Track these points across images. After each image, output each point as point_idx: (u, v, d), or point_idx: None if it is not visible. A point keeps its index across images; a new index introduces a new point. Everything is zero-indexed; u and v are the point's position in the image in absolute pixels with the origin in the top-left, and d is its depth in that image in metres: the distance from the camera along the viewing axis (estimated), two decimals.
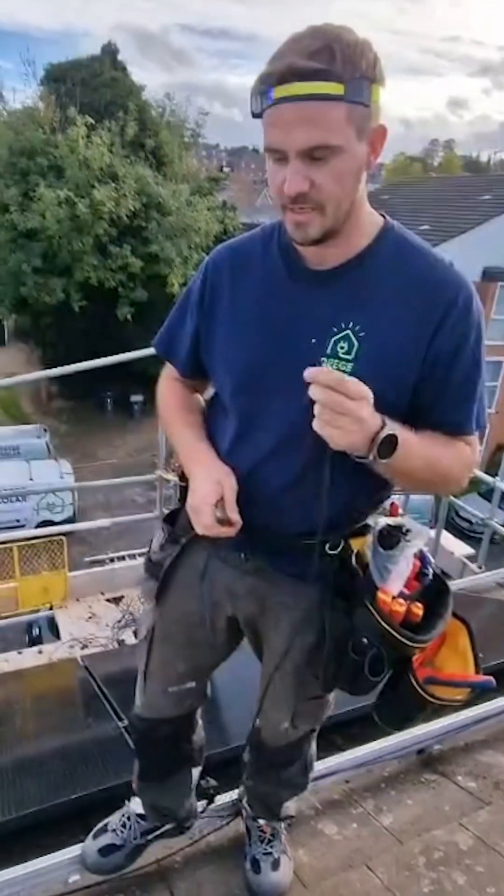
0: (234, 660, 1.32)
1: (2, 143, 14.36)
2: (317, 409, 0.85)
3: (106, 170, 13.86)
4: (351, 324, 0.94)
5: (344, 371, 0.93)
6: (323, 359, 0.94)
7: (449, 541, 4.27)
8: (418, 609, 0.97)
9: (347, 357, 0.94)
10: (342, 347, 0.94)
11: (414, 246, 0.97)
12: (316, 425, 0.86)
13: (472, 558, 4.04)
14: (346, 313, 0.94)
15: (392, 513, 1.09)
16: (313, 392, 0.85)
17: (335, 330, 0.94)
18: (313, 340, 0.95)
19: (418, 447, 0.95)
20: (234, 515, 0.99)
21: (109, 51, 17.54)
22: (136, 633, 1.83)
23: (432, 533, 3.50)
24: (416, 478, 0.99)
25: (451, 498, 3.62)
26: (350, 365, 0.93)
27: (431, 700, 1.02)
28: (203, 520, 1.00)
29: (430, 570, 1.04)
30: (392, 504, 1.12)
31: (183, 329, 1.12)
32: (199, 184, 16.70)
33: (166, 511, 1.31)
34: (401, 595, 0.97)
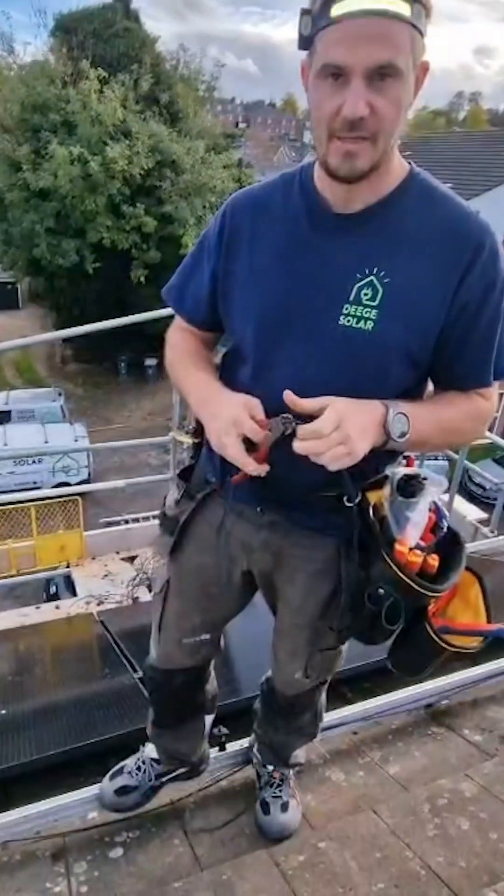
0: (247, 612, 1.34)
1: (13, 98, 14.01)
2: (318, 460, 0.88)
3: (119, 126, 13.50)
4: (376, 269, 0.91)
5: (368, 318, 0.92)
6: (346, 305, 0.93)
7: (462, 505, 4.27)
8: (434, 560, 0.98)
9: (371, 304, 0.92)
10: (366, 294, 0.92)
11: (440, 192, 0.95)
12: (331, 467, 0.88)
13: (484, 522, 4.05)
14: (370, 259, 0.92)
15: (408, 464, 1.09)
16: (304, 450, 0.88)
17: (359, 276, 0.92)
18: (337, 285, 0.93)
19: (428, 416, 0.96)
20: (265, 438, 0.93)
21: None
22: (150, 588, 1.87)
23: (446, 497, 3.49)
24: (432, 444, 1.04)
25: (466, 462, 3.61)
26: (374, 311, 0.92)
27: (447, 647, 1.04)
28: (230, 444, 0.94)
29: (445, 524, 1.04)
30: (408, 457, 1.12)
31: (198, 277, 1.10)
32: (214, 140, 16.21)
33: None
34: (417, 547, 0.98)
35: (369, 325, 0.92)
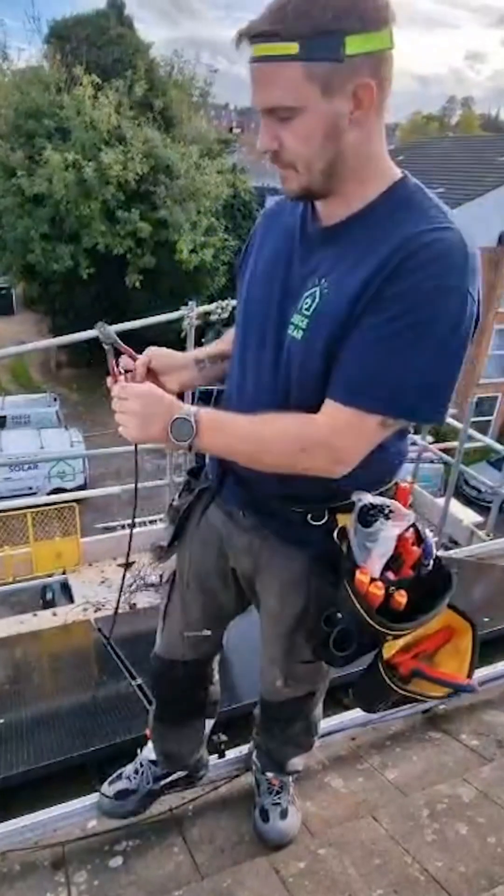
0: (247, 619, 1.35)
1: (7, 104, 14.04)
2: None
3: (113, 132, 13.54)
4: (322, 280, 0.94)
5: (301, 326, 0.94)
6: (294, 315, 0.96)
7: (458, 508, 4.29)
8: (402, 597, 0.94)
9: (307, 313, 0.94)
10: (306, 304, 0.95)
11: (417, 202, 0.89)
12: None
13: (480, 526, 4.07)
14: (323, 269, 0.95)
15: (396, 495, 1.04)
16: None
17: (309, 285, 0.95)
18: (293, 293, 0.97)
19: (234, 429, 0.96)
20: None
21: (115, 5, 16.96)
22: (161, 577, 1.91)
23: (441, 501, 3.51)
24: (241, 457, 0.98)
25: (462, 466, 3.62)
26: (306, 320, 0.94)
27: (397, 690, 1.02)
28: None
29: (431, 562, 1.01)
30: (398, 486, 1.06)
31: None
32: (208, 146, 16.28)
33: (176, 478, 1.34)
34: (385, 579, 0.94)
35: (300, 333, 0.95)
